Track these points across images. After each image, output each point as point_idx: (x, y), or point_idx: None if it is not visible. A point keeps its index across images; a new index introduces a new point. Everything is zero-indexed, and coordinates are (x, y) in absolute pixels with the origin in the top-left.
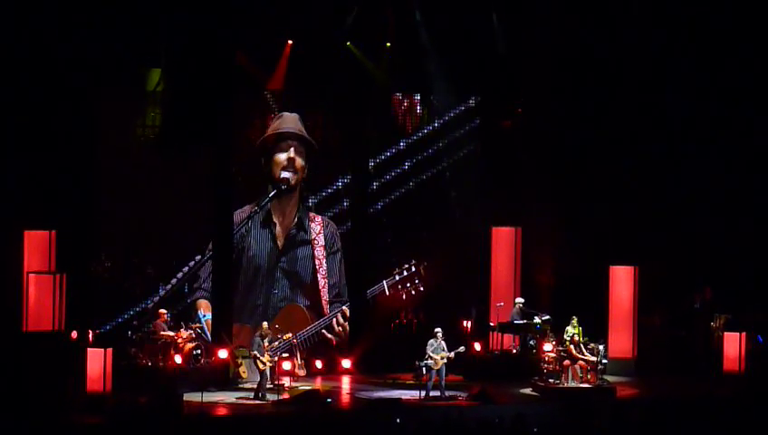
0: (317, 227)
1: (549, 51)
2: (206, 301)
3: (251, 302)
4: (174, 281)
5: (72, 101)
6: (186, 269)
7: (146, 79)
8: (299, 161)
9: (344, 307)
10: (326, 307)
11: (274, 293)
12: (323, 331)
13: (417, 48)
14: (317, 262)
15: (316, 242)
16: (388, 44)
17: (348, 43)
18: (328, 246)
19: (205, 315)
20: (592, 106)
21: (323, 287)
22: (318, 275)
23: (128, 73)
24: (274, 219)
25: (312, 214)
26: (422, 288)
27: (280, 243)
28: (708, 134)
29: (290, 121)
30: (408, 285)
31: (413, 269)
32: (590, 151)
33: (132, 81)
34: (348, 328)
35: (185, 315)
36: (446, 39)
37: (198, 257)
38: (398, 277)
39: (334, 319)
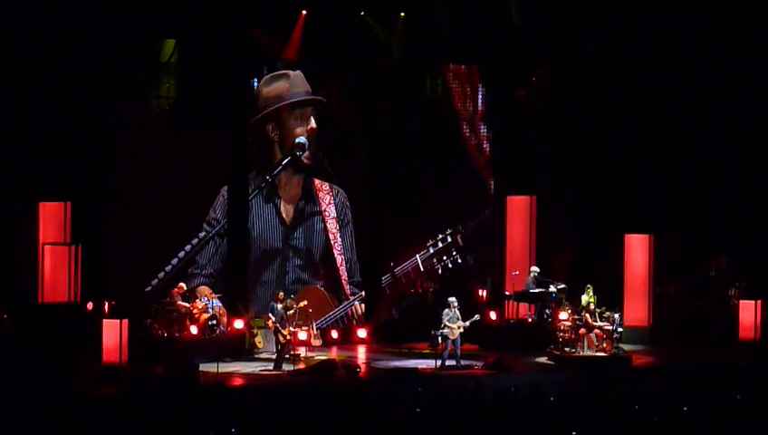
0: (326, 196)
1: (563, 19)
2: (207, 287)
3: (260, 289)
4: (175, 261)
5: (86, 73)
6: (188, 248)
7: (160, 50)
8: (316, 131)
9: (363, 293)
10: (346, 287)
11: (287, 275)
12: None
13: (431, 18)
14: (331, 236)
15: (327, 214)
16: (402, 14)
17: (362, 13)
18: (340, 218)
19: (212, 302)
20: (608, 74)
21: (341, 265)
22: (333, 252)
23: (141, 45)
24: (280, 192)
25: (318, 181)
26: (459, 260)
27: (287, 218)
28: (725, 103)
29: (300, 84)
30: (445, 257)
31: (449, 239)
32: (605, 120)
33: (146, 52)
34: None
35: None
36: (459, 8)
37: (195, 240)
38: (432, 250)
39: (354, 306)
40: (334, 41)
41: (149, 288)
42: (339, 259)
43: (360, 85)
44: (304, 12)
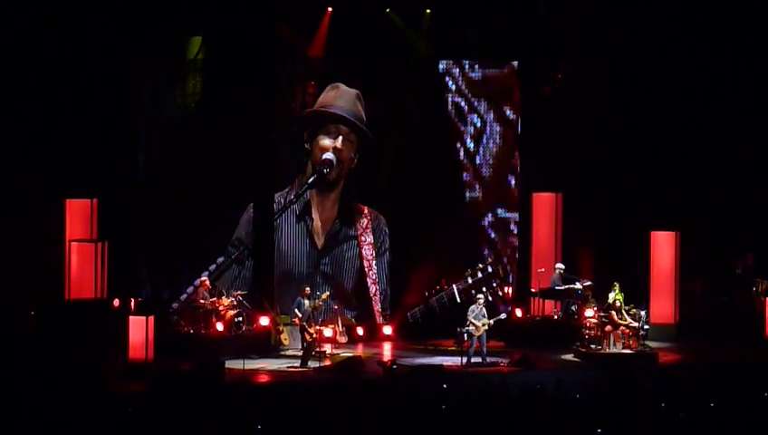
0: (364, 220)
1: (589, 17)
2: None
3: (283, 314)
4: (197, 282)
5: (113, 71)
6: (212, 268)
7: (186, 47)
8: (346, 152)
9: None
10: (379, 319)
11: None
12: None
13: (456, 14)
14: (365, 263)
15: (363, 239)
16: (428, 11)
17: (387, 10)
18: (377, 245)
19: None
20: (634, 71)
21: (375, 295)
22: (367, 280)
23: (168, 42)
24: (312, 213)
25: (358, 205)
26: (500, 293)
27: (319, 241)
28: (755, 100)
29: (345, 100)
30: (485, 289)
31: (489, 270)
32: (632, 117)
33: (173, 50)
34: None
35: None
36: (486, 4)
37: (220, 260)
38: (471, 280)
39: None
40: (360, 38)
41: (175, 305)
42: (372, 289)
43: (385, 82)
44: (330, 9)
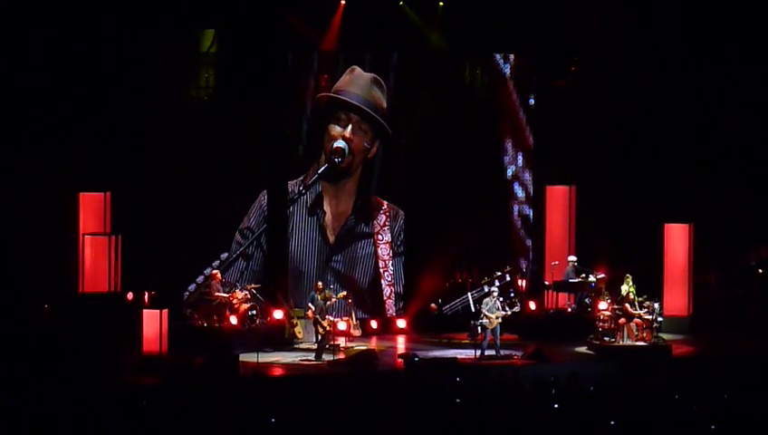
0: (382, 217)
1: (604, 12)
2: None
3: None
4: (207, 271)
5: (126, 65)
6: (223, 256)
7: (199, 41)
8: (358, 141)
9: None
10: (395, 323)
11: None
12: None
13: (470, 7)
14: (381, 263)
15: (380, 237)
16: (441, 3)
17: (401, 3)
18: (395, 244)
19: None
20: (647, 66)
21: (389, 297)
22: (382, 281)
23: (181, 35)
24: (325, 205)
25: (376, 198)
26: (518, 307)
27: (331, 236)
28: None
29: (358, 86)
30: (502, 299)
31: (507, 278)
32: (645, 111)
33: (186, 43)
34: None
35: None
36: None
37: (230, 252)
38: (486, 289)
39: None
40: (373, 31)
41: (186, 294)
42: (387, 291)
43: (398, 75)
44: (343, 1)
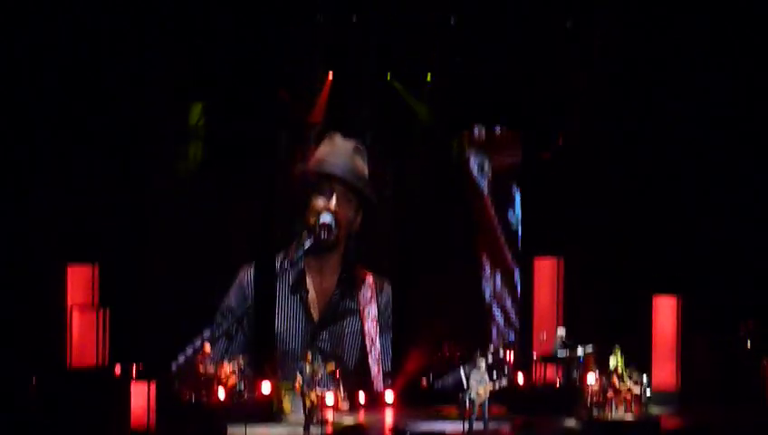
0: (368, 291)
1: (587, 82)
2: None
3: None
4: (189, 351)
5: (112, 135)
6: (206, 335)
7: (188, 113)
8: (343, 213)
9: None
10: (378, 387)
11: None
12: None
13: (457, 81)
14: (368, 341)
15: (367, 313)
16: (429, 76)
17: (389, 76)
18: (382, 319)
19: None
20: (634, 135)
21: (377, 376)
22: (369, 360)
23: (169, 107)
24: (308, 283)
25: (362, 271)
26: (510, 378)
27: (315, 314)
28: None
29: (339, 155)
30: (496, 376)
31: (501, 354)
32: (632, 179)
33: (173, 115)
34: None
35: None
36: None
37: (207, 332)
38: (477, 362)
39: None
40: (361, 103)
41: (174, 367)
42: (374, 369)
43: (387, 149)
44: (331, 72)
